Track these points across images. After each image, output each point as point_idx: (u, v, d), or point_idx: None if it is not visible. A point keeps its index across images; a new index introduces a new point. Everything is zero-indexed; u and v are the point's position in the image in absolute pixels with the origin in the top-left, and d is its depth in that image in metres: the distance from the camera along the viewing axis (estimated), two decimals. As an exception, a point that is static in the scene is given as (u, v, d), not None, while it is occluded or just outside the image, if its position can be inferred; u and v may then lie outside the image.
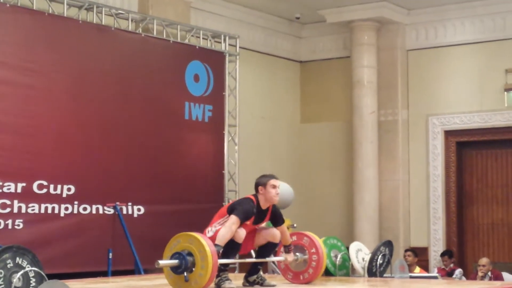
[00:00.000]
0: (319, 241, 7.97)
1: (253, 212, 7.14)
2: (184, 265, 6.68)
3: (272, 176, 7.31)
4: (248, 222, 7.12)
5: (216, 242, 6.82)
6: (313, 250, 7.87)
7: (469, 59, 13.68)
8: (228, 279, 7.08)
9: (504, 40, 13.40)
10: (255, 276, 7.43)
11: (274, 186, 7.23)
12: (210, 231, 7.13)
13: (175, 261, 6.74)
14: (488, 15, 13.46)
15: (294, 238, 7.95)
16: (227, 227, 6.93)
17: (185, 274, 6.67)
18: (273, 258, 7.94)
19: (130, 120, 10.73)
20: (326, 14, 13.95)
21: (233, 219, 6.99)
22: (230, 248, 7.05)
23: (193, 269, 6.68)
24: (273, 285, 7.43)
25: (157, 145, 11.03)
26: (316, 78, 14.83)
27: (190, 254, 6.70)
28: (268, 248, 7.49)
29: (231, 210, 7.17)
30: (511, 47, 13.31)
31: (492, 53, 13.47)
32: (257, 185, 7.31)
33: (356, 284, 8.38)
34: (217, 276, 7.07)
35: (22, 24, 9.67)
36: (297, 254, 7.86)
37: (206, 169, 11.73)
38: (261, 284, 7.39)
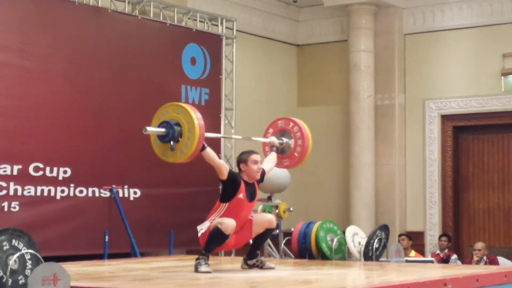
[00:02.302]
0: (305, 127, 7.95)
1: (240, 177, 7.09)
2: (171, 135, 6.75)
3: (253, 152, 7.26)
4: (241, 196, 7.04)
5: (204, 144, 6.85)
6: (298, 134, 7.87)
7: (466, 43, 13.65)
8: (206, 263, 7.02)
9: (501, 25, 13.37)
10: (254, 260, 7.39)
11: (255, 162, 7.18)
12: (202, 229, 7.13)
13: (162, 130, 6.81)
14: (486, 0, 13.42)
15: (281, 123, 7.97)
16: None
17: (172, 143, 6.73)
18: (260, 139, 7.94)
19: (126, 103, 10.70)
20: (324, -2, 13.91)
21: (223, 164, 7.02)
22: (217, 236, 7.02)
23: (180, 139, 6.75)
24: (273, 267, 7.39)
25: (154, 128, 10.99)
26: (313, 61, 14.79)
27: (178, 124, 6.76)
28: (266, 235, 7.45)
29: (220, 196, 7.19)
30: (508, 31, 13.29)
31: (489, 38, 13.45)
32: (238, 162, 7.29)
33: (352, 268, 8.38)
34: (196, 259, 7.09)
35: (18, 6, 9.63)
36: (283, 138, 7.88)
37: (202, 152, 11.69)
38: (261, 267, 7.35)
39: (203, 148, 6.85)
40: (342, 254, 9.36)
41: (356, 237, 9.47)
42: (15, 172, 9.42)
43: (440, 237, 13.04)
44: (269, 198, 10.78)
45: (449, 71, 13.72)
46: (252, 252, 7.42)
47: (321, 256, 9.18)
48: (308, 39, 14.85)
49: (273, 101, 14.20)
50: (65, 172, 9.90)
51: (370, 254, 9.14)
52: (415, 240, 12.99)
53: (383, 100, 13.92)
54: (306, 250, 9.27)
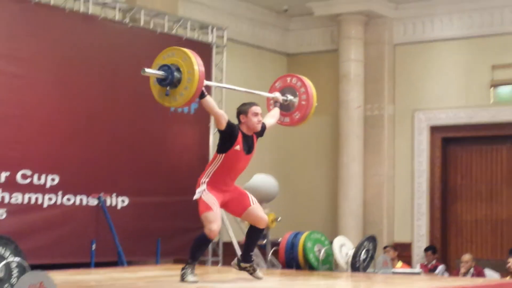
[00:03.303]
0: (312, 87, 7.87)
1: (238, 129, 7.00)
2: (170, 80, 6.64)
3: (253, 104, 7.15)
4: (238, 148, 6.96)
5: (204, 92, 6.73)
6: (303, 90, 7.80)
7: (456, 54, 13.69)
8: (192, 272, 6.98)
9: (491, 36, 13.42)
10: (248, 265, 7.30)
11: (256, 114, 7.09)
12: (199, 192, 7.02)
13: (161, 73, 6.69)
14: (476, 11, 13.47)
15: (288, 80, 7.89)
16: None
17: (168, 88, 6.65)
18: (264, 93, 7.83)
19: (115, 111, 10.68)
20: (314, 7, 13.93)
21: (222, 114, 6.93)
22: (204, 243, 7.08)
23: (178, 85, 6.64)
24: (261, 277, 7.31)
25: (143, 136, 10.99)
26: (303, 71, 14.60)
27: (178, 70, 6.64)
28: (255, 235, 7.35)
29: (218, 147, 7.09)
30: (498, 43, 13.34)
31: (479, 49, 13.50)
32: (238, 113, 7.15)
33: (339, 279, 8.38)
34: (182, 268, 7.04)
35: (7, 12, 9.61)
36: (288, 95, 7.80)
37: (191, 161, 11.69)
38: (251, 273, 7.29)
39: (203, 95, 6.72)
40: (329, 265, 9.35)
41: (343, 248, 9.47)
42: (2, 179, 9.38)
43: (425, 250, 13.04)
44: (257, 208, 10.74)
45: (438, 82, 13.75)
46: (247, 255, 7.33)
47: (309, 266, 9.17)
48: (298, 48, 14.87)
49: (263, 110, 14.16)
50: (52, 179, 9.86)
51: (357, 265, 9.14)
52: (403, 251, 13.01)
53: (373, 110, 13.94)
54: (293, 260, 9.26)
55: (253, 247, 7.43)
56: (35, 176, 9.70)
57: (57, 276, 7.04)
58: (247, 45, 14.17)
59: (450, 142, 13.90)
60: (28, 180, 9.62)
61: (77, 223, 10.12)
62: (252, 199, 7.26)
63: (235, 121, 7.11)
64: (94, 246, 10.02)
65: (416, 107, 13.89)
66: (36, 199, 9.72)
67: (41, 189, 9.75)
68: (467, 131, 13.65)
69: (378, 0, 13.65)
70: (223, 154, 7.00)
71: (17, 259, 6.68)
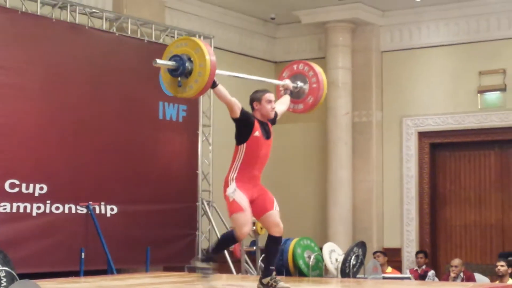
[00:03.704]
0: (322, 73, 7.81)
1: (253, 116, 6.91)
2: (181, 70, 6.58)
3: (267, 91, 7.06)
4: (258, 134, 6.88)
5: (216, 81, 6.65)
6: (314, 79, 7.73)
7: (443, 61, 13.74)
8: (209, 264, 6.97)
9: (478, 43, 13.47)
10: (268, 278, 7.02)
11: (269, 101, 6.98)
12: (231, 192, 6.85)
13: (173, 63, 6.62)
14: (462, 18, 13.52)
15: (297, 67, 7.82)
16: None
17: (179, 79, 6.58)
18: (274, 81, 7.78)
19: (104, 120, 10.67)
20: (301, 15, 13.97)
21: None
22: (231, 241, 6.98)
23: (189, 76, 6.57)
24: (287, 287, 7.02)
25: (131, 144, 10.98)
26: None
27: (190, 60, 6.58)
28: (271, 247, 7.08)
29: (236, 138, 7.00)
30: (484, 49, 13.39)
31: (466, 55, 13.55)
32: (252, 100, 7.05)
33: (329, 285, 8.39)
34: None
35: (-6, 22, 9.60)
36: (298, 82, 7.73)
37: (179, 169, 11.70)
38: (274, 287, 6.98)
39: (215, 85, 6.65)
40: (319, 271, 9.36)
41: (333, 253, 9.47)
42: (-10, 189, 9.38)
43: (416, 254, 13.08)
44: (247, 215, 10.74)
45: (426, 89, 13.79)
46: (266, 270, 7.08)
47: (298, 273, 9.17)
48: (285, 56, 14.87)
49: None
50: (41, 188, 9.84)
51: (347, 271, 9.15)
52: (392, 257, 13.01)
53: (361, 117, 13.97)
54: (283, 266, 9.26)
55: (273, 260, 7.10)
56: (23, 186, 9.67)
57: (46, 285, 7.04)
58: (235, 53, 14.18)
59: (438, 148, 13.94)
60: (16, 189, 9.59)
61: (66, 231, 10.09)
62: (276, 204, 7.13)
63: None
64: (83, 255, 9.99)
65: (404, 113, 13.93)
66: (25, 208, 9.68)
67: (30, 198, 9.72)
68: (455, 137, 13.69)
69: (365, 8, 13.69)
70: (244, 144, 6.89)
71: (5, 268, 6.67)
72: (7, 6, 9.75)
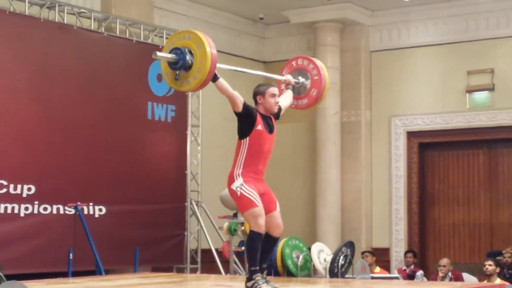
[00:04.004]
0: (324, 68, 7.71)
1: (256, 110, 6.80)
2: (181, 64, 6.49)
3: (271, 84, 6.96)
4: (260, 128, 6.77)
5: (217, 74, 6.54)
6: (315, 72, 7.63)
7: (432, 60, 13.76)
8: (265, 280, 6.68)
9: (466, 42, 13.50)
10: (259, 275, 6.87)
11: (273, 95, 6.87)
12: (237, 187, 6.71)
13: (173, 56, 6.53)
14: (451, 17, 13.55)
15: (299, 62, 7.72)
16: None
17: (177, 72, 6.50)
18: (275, 76, 7.69)
19: (92, 120, 10.66)
20: (290, 15, 13.97)
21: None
22: (257, 241, 6.71)
23: (188, 71, 6.49)
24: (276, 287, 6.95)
25: (120, 145, 10.97)
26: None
27: (191, 53, 6.49)
28: (271, 243, 7.01)
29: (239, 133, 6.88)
30: (473, 49, 13.41)
31: (454, 55, 13.57)
32: (255, 94, 6.93)
33: (318, 285, 8.38)
34: (248, 279, 6.75)
35: (-18, 22, 9.58)
36: (299, 78, 7.63)
37: (168, 169, 11.69)
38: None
39: (216, 78, 6.54)
40: (308, 271, 9.35)
41: (322, 254, 9.47)
42: (-23, 190, 9.36)
43: (405, 253, 13.10)
44: (235, 215, 10.74)
45: (414, 88, 13.81)
46: (260, 266, 6.93)
47: (287, 273, 9.16)
48: (274, 56, 14.87)
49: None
50: (29, 189, 9.82)
51: (336, 271, 9.14)
52: (381, 257, 13.03)
53: (349, 117, 13.98)
54: (271, 267, 9.24)
55: (267, 258, 7.06)
56: (11, 186, 9.65)
57: (34, 286, 7.03)
58: (224, 53, 14.12)
59: (427, 147, 13.96)
60: (4, 190, 9.58)
61: (54, 232, 10.08)
62: (278, 205, 7.07)
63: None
64: (71, 255, 9.98)
65: (392, 113, 13.95)
66: (13, 208, 9.68)
67: (18, 199, 9.71)
68: (444, 136, 13.71)
69: (353, 8, 13.70)
70: (247, 138, 6.76)
71: (-7, 269, 6.65)
72: (-5, 6, 9.75)
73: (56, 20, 10.44)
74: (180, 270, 11.65)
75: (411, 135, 13.87)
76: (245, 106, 6.72)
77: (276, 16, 14.24)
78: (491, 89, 13.24)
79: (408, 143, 13.88)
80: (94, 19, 11.02)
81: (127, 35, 11.34)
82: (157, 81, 11.55)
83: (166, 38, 11.85)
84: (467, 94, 13.42)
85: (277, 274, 9.20)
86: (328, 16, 13.72)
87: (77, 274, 9.82)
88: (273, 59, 14.87)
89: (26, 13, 10.08)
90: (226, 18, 14.09)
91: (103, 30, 11.05)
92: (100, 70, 10.85)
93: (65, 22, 10.55)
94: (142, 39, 11.47)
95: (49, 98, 10.19)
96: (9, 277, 6.50)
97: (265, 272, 7.03)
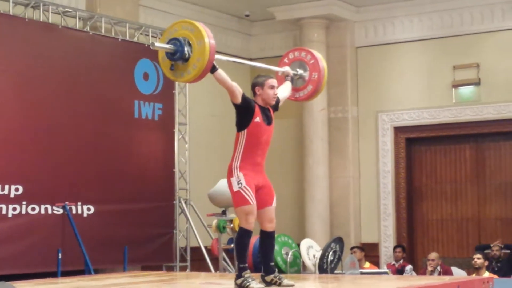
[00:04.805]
0: (322, 60, 7.63)
1: (254, 102, 6.75)
2: (178, 56, 6.45)
3: (270, 76, 6.92)
4: (259, 120, 6.72)
5: (216, 65, 6.48)
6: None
7: (418, 56, 13.80)
8: (253, 279, 6.65)
9: (451, 37, 13.54)
10: (272, 276, 6.91)
11: (272, 87, 6.82)
12: (239, 181, 6.65)
13: (171, 46, 6.48)
14: (436, 13, 13.59)
15: (297, 54, 7.65)
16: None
17: (173, 63, 6.47)
18: (273, 68, 7.59)
19: (79, 119, 10.62)
20: (276, 12, 13.97)
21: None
22: (247, 237, 6.71)
23: (188, 59, 6.43)
24: (292, 285, 6.91)
25: (107, 144, 10.94)
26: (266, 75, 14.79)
27: (189, 43, 6.43)
28: (268, 242, 6.96)
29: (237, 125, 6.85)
30: (458, 44, 13.45)
31: (440, 50, 13.60)
32: (254, 85, 6.89)
33: (307, 281, 8.37)
34: (238, 276, 6.71)
35: (-34, 22, 9.53)
36: (298, 70, 7.56)
37: (156, 167, 11.67)
38: (279, 284, 6.86)
39: (214, 69, 6.49)
40: (297, 267, 9.37)
41: (311, 250, 9.49)
42: (-35, 191, 9.32)
43: (394, 248, 13.13)
44: (224, 213, 10.74)
45: (401, 84, 13.84)
46: (267, 267, 6.97)
47: (276, 270, 9.15)
48: (260, 53, 14.87)
49: (226, 115, 14.14)
50: (16, 189, 9.78)
51: (325, 267, 9.17)
52: (370, 252, 13.05)
53: (336, 113, 14.00)
54: (260, 264, 9.23)
55: (271, 256, 7.02)
56: (-1, 186, 9.64)
57: (23, 286, 6.99)
58: (210, 50, 14.13)
59: (414, 142, 13.99)
60: (-9, 191, 9.55)
61: (43, 232, 10.04)
62: (274, 200, 6.97)
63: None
64: (60, 255, 9.94)
65: (379, 108, 13.97)
66: (0, 209, 9.63)
67: (5, 199, 9.66)
68: (431, 131, 13.74)
69: (339, 4, 13.71)
70: (245, 130, 6.74)
71: (-18, 270, 6.63)
72: (-21, 6, 9.69)
73: (41, 20, 10.38)
74: (170, 269, 11.64)
75: (398, 130, 13.90)
76: (244, 97, 6.69)
77: (261, 13, 14.23)
78: (477, 83, 13.28)
79: (395, 138, 13.91)
80: (79, 18, 11.00)
81: (113, 34, 11.31)
82: (143, 79, 11.54)
83: (152, 36, 11.84)
84: (453, 89, 13.45)
85: (266, 271, 9.17)
86: (314, 13, 13.72)
87: (66, 274, 9.78)
88: (259, 55, 14.85)
89: (11, 13, 10.03)
90: (211, 16, 14.06)
91: (88, 29, 11.01)
92: (85, 69, 10.81)
93: (50, 21, 10.49)
94: (127, 38, 11.44)
95: (34, 97, 10.14)
96: (-2, 278, 6.47)
97: (276, 270, 6.99)
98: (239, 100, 6.66)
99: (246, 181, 6.65)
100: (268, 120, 6.82)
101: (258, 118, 6.73)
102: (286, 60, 7.70)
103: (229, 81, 6.60)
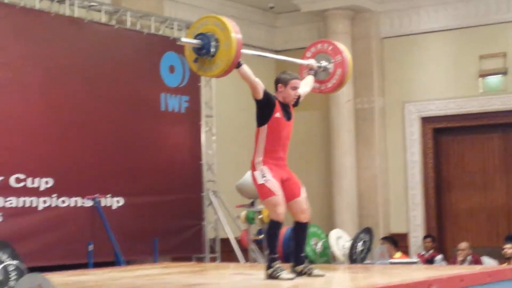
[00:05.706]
0: (346, 52, 7.59)
1: (275, 97, 6.78)
2: (205, 52, 6.44)
3: (295, 76, 6.91)
4: (279, 115, 6.75)
5: (240, 61, 6.49)
6: (339, 58, 7.54)
7: (444, 46, 13.73)
8: (283, 269, 6.68)
9: (477, 27, 13.47)
10: (302, 266, 6.96)
11: (295, 88, 6.85)
12: (264, 176, 6.67)
13: (198, 41, 6.47)
14: (461, 2, 13.52)
15: (321, 46, 7.63)
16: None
17: (197, 57, 6.48)
18: (298, 60, 7.60)
19: (106, 113, 10.65)
20: (300, 3, 13.94)
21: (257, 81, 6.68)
22: (277, 228, 6.74)
23: (215, 54, 6.42)
24: (322, 275, 6.96)
25: (135, 137, 10.97)
26: (291, 67, 14.75)
27: (215, 39, 6.43)
28: (300, 232, 7.05)
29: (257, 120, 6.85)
30: (484, 33, 13.38)
31: (466, 40, 13.54)
32: (277, 81, 6.91)
33: (337, 271, 8.35)
34: (268, 266, 6.74)
35: (-8, 17, 9.57)
36: (322, 62, 7.54)
37: (183, 160, 11.69)
38: (309, 274, 6.90)
39: (239, 65, 6.51)
40: (327, 257, 9.36)
41: (340, 240, 9.47)
42: (-4, 184, 9.37)
43: (424, 238, 13.09)
44: (252, 204, 10.75)
45: (427, 74, 13.79)
46: (298, 257, 7.01)
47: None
48: (285, 44, 14.85)
49: (253, 108, 14.14)
50: (46, 182, 9.83)
51: (355, 257, 9.15)
52: (399, 242, 13.00)
53: (363, 104, 13.96)
54: (291, 254, 9.22)
55: (303, 246, 7.06)
56: (29, 180, 9.66)
57: (55, 277, 7.03)
58: (235, 43, 14.13)
59: (441, 133, 13.93)
60: (22, 184, 9.58)
61: (73, 225, 10.08)
62: (303, 190, 7.06)
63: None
64: (91, 247, 9.99)
65: (406, 99, 13.92)
66: (31, 202, 9.68)
67: (36, 192, 9.71)
68: (458, 121, 13.68)
69: (363, -6, 13.70)
70: (265, 125, 6.76)
71: (14, 262, 6.66)
72: (5, 1, 9.70)
73: (67, 14, 10.40)
74: (200, 260, 11.65)
75: (425, 120, 13.84)
76: (266, 93, 6.72)
77: (286, 4, 14.22)
78: (503, 73, 13.22)
79: (423, 128, 13.86)
80: (105, 12, 11.01)
81: (138, 28, 11.32)
82: (169, 72, 11.55)
83: (177, 29, 11.85)
84: (480, 79, 13.39)
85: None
86: (338, 4, 13.69)
87: (97, 265, 9.82)
88: (284, 47, 14.83)
89: (37, 8, 10.06)
90: (236, 8, 14.06)
91: (113, 23, 11.03)
92: (112, 63, 10.83)
93: (76, 16, 10.52)
94: (153, 31, 11.45)
95: (61, 91, 10.16)
96: (30, 270, 6.50)
97: (305, 261, 7.01)
98: (261, 95, 6.70)
99: (270, 173, 6.68)
100: (288, 116, 6.86)
101: (278, 114, 6.76)
102: (308, 54, 7.70)
103: (252, 76, 6.62)
